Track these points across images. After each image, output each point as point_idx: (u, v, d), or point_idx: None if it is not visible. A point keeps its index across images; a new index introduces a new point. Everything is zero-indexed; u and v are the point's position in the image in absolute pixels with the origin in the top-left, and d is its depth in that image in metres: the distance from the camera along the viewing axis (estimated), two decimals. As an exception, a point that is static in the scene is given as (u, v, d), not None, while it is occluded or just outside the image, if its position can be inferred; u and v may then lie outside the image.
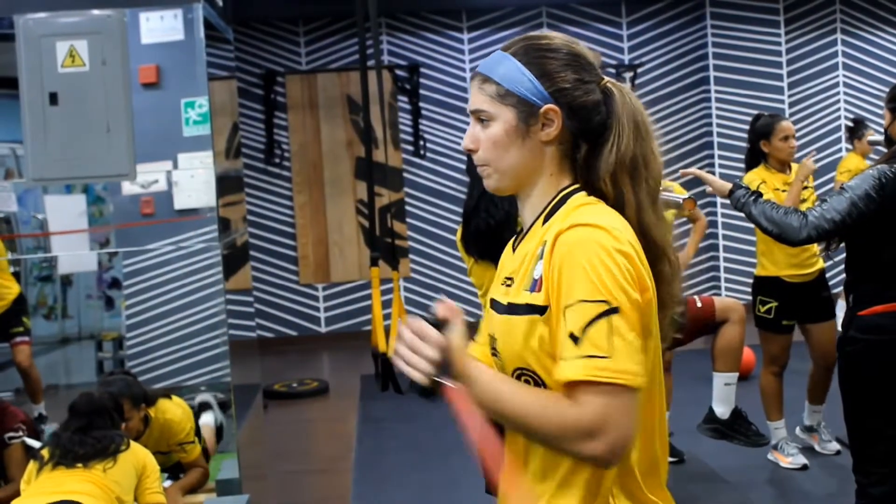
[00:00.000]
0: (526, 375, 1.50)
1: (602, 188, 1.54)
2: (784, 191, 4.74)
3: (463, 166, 8.76)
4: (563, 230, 1.46)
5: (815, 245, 3.54)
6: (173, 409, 4.37)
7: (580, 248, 1.43)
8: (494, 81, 1.55)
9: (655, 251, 1.52)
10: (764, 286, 4.89)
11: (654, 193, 1.55)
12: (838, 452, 5.00)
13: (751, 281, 5.10)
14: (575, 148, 1.57)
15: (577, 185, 1.57)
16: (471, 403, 1.46)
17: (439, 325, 1.50)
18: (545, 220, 1.54)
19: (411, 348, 1.47)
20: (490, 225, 2.87)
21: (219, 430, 5.00)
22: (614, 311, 1.39)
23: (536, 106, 1.53)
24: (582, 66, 1.56)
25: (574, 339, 1.40)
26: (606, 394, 1.38)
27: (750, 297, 5.05)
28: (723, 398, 4.40)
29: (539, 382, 1.48)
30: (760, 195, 3.36)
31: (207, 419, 4.96)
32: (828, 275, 5.02)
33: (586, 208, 1.51)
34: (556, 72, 1.54)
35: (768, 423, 4.95)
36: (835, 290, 5.43)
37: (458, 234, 3.14)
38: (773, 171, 4.84)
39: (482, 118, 1.56)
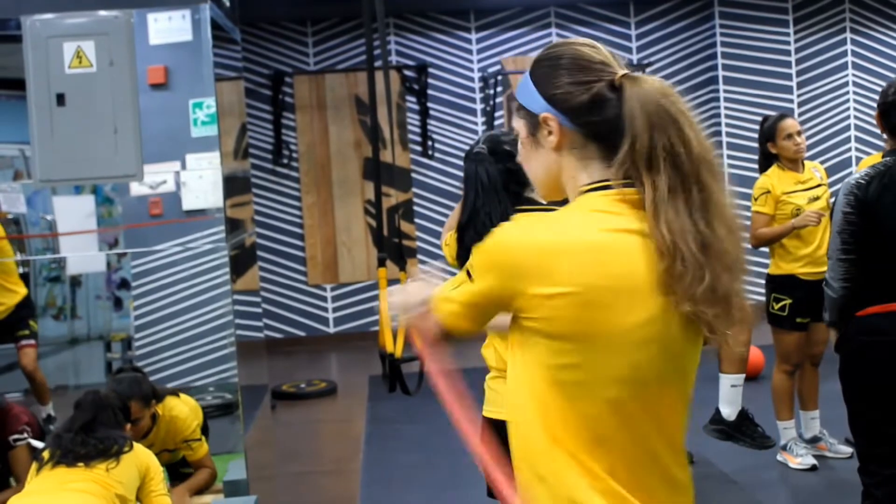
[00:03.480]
0: None
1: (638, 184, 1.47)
2: (797, 192, 4.73)
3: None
4: None
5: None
6: (180, 407, 4.36)
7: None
8: (516, 98, 1.62)
9: (667, 245, 1.43)
10: (778, 284, 4.87)
11: (685, 181, 1.45)
12: (851, 456, 4.96)
13: (758, 281, 5.08)
14: (594, 148, 1.53)
15: (596, 185, 1.51)
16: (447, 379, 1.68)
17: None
18: None
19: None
20: None
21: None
22: (469, 276, 1.54)
23: (536, 115, 1.54)
24: (579, 68, 1.52)
25: None
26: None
27: (757, 298, 5.03)
28: (729, 399, 4.40)
29: None
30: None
31: None
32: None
33: (545, 215, 1.51)
34: (549, 78, 1.53)
35: (778, 423, 4.92)
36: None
37: (445, 242, 3.05)
38: (786, 170, 4.81)
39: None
